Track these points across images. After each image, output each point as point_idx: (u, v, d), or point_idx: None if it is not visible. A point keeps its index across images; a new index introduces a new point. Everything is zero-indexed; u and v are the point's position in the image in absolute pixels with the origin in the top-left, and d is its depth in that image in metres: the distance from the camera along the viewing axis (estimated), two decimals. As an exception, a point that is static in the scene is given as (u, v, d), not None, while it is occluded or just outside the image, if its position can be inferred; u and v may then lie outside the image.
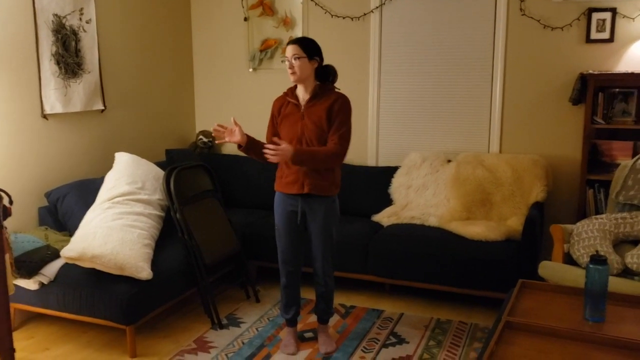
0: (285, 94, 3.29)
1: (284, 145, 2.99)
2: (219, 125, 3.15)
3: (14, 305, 3.47)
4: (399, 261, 3.98)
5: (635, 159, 3.62)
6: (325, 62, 3.26)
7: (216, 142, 3.24)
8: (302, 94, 3.21)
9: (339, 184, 3.30)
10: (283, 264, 3.39)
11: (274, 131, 3.31)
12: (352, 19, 4.81)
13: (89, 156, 4.28)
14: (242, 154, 3.28)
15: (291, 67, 3.11)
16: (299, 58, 3.10)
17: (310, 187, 3.17)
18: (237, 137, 3.14)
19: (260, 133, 3.45)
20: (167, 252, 3.71)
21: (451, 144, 4.67)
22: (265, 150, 2.99)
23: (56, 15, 3.90)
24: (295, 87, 3.25)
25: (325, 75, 3.23)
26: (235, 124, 3.16)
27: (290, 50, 3.12)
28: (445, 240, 3.95)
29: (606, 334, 2.22)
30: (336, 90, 3.24)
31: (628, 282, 2.96)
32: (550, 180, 4.25)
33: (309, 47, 3.14)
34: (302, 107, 3.19)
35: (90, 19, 4.17)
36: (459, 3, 4.50)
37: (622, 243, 3.28)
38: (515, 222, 4.01)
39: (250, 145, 3.19)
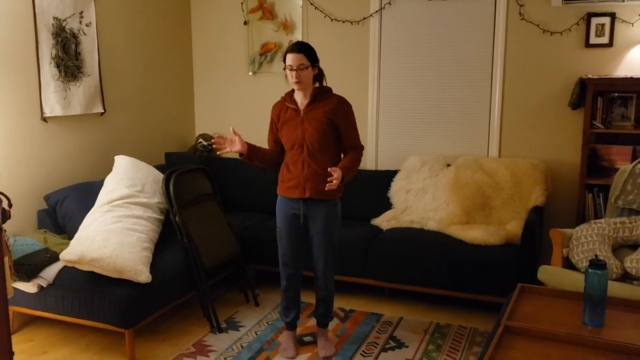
0: (284, 99, 3.29)
1: (337, 173, 3.01)
2: (219, 137, 3.18)
3: (12, 308, 3.46)
4: (398, 265, 3.98)
5: (634, 163, 3.63)
6: (325, 66, 3.28)
7: (217, 153, 3.24)
8: (301, 98, 3.22)
9: (342, 187, 3.30)
10: (284, 266, 3.39)
11: (274, 136, 3.34)
12: (351, 23, 4.81)
13: (89, 159, 4.28)
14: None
15: (298, 77, 3.10)
16: (306, 68, 3.11)
17: (312, 191, 3.18)
18: (237, 147, 3.19)
19: (259, 136, 3.45)
20: (166, 256, 3.71)
21: (450, 148, 4.68)
22: (329, 186, 3.00)
23: (56, 18, 3.91)
24: (293, 91, 3.25)
25: (318, 77, 3.26)
26: (235, 133, 3.19)
27: (297, 60, 3.09)
28: (444, 245, 3.95)
29: (605, 338, 2.22)
30: (333, 92, 3.26)
31: (627, 287, 2.96)
32: (550, 185, 4.26)
33: (312, 55, 3.15)
34: (302, 112, 3.20)
35: (90, 22, 4.18)
36: (459, 7, 4.51)
37: (621, 248, 3.28)
38: (514, 227, 4.00)
39: (251, 153, 3.24)
